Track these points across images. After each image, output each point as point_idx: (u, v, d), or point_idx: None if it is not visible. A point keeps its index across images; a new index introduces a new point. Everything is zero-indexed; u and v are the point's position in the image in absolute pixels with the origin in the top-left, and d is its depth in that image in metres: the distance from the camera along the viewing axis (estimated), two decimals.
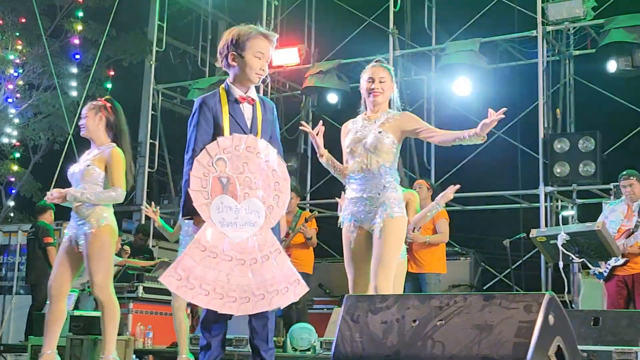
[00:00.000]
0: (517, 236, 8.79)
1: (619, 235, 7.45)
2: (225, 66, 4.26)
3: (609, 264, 7.52)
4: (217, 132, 4.10)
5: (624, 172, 7.67)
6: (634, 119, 10.82)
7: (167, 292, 7.61)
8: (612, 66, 10.31)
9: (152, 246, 11.98)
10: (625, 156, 10.35)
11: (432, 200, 7.74)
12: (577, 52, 11.60)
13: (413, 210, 6.69)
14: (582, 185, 10.51)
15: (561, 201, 10.99)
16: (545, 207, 10.58)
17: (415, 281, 8.23)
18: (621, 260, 7.41)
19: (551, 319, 3.16)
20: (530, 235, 7.62)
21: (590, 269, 7.70)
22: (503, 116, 4.44)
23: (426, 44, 12.56)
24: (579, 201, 10.85)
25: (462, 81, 11.13)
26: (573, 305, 8.03)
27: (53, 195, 5.39)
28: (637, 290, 7.44)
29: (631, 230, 7.43)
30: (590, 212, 9.98)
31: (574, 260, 7.30)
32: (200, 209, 3.93)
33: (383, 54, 11.48)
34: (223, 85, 4.26)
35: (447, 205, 8.61)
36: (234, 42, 4.17)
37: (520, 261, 10.95)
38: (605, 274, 7.59)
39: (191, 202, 3.94)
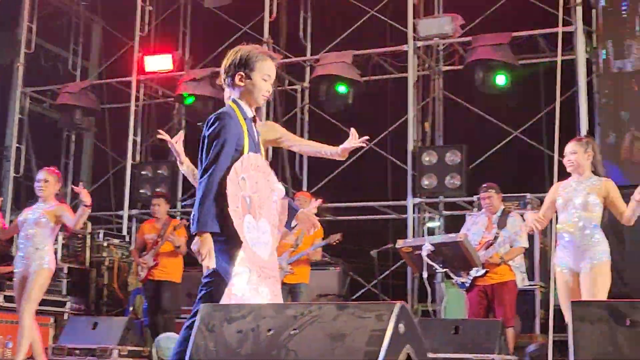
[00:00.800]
0: (385, 247, 8.95)
1: (479, 246, 7.67)
2: (228, 84, 4.20)
3: (470, 275, 7.73)
4: (238, 149, 4.04)
5: (484, 185, 7.91)
6: (499, 134, 11.18)
7: None
8: (478, 82, 10.65)
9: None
10: (489, 169, 10.68)
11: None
12: (446, 68, 11.93)
13: None
14: (449, 197, 10.81)
15: (428, 212, 11.26)
16: (414, 218, 10.83)
17: (292, 291, 8.38)
18: (482, 271, 7.62)
19: (401, 327, 3.22)
20: (396, 246, 7.78)
21: (452, 279, 7.90)
22: (363, 145, 4.53)
23: (301, 54, 12.65)
24: (446, 213, 11.13)
25: (338, 92, 11.28)
26: (436, 314, 8.24)
27: None
28: (496, 299, 7.67)
29: (490, 241, 7.66)
30: (456, 224, 10.24)
31: (437, 271, 7.49)
32: (238, 229, 3.88)
33: None
34: (232, 102, 4.18)
35: (318, 215, 8.71)
36: (243, 62, 4.13)
37: (388, 271, 11.16)
38: (468, 284, 7.79)
39: (208, 217, 3.88)
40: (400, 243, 7.87)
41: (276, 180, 4.22)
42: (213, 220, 3.89)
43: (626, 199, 6.00)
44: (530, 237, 8.39)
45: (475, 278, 7.71)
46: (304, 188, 11.98)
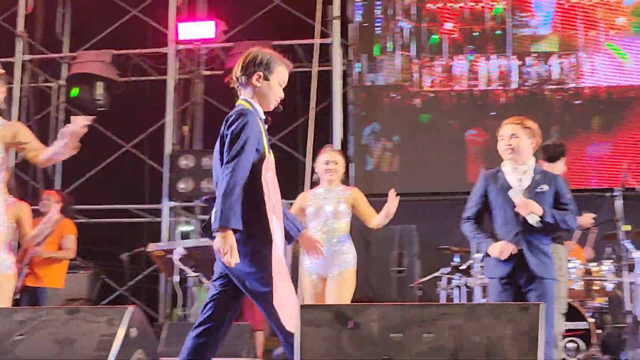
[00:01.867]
0: (137, 250, 8.82)
1: None
2: (243, 83, 4.08)
3: None
4: (258, 149, 3.94)
5: None
6: None
7: None
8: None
9: None
10: None
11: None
12: (207, 72, 11.95)
13: (29, 225, 6.40)
14: None
15: (184, 216, 11.22)
16: (169, 222, 10.76)
17: (33, 295, 7.93)
18: None
19: (133, 332, 3.19)
20: (148, 250, 7.68)
21: (203, 283, 7.90)
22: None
23: (58, 50, 12.21)
24: (201, 217, 11.14)
25: (97, 91, 10.99)
26: (189, 318, 8.21)
27: None
28: (246, 303, 7.72)
29: None
30: None
31: (189, 275, 7.47)
32: (270, 229, 3.84)
33: (10, 56, 11.00)
34: (244, 102, 4.06)
35: (74, 217, 8.42)
36: (264, 63, 4.05)
37: (141, 275, 11.00)
38: None
39: (231, 213, 3.69)
40: (152, 247, 7.78)
41: None
42: (236, 217, 3.73)
43: (374, 206, 6.26)
44: None
45: None
46: (57, 188, 11.53)
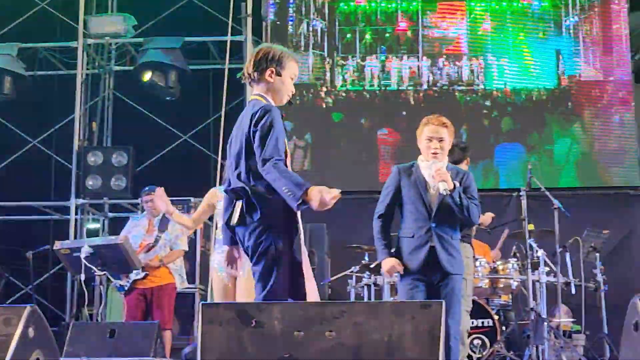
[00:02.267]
0: (42, 248, 8.64)
1: (140, 249, 7.63)
2: (255, 79, 4.15)
3: (130, 277, 7.66)
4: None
5: (146, 188, 7.87)
6: (168, 137, 11.22)
7: None
8: (148, 84, 10.64)
9: None
10: (157, 172, 10.66)
11: None
12: (118, 68, 11.78)
13: None
14: (114, 198, 10.65)
15: (92, 214, 11.03)
16: (76, 220, 10.56)
17: None
18: (142, 274, 7.59)
19: (31, 332, 3.11)
20: (54, 248, 7.52)
21: (111, 282, 7.79)
22: None
23: None
24: (111, 214, 10.96)
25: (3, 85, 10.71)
26: (96, 318, 8.07)
27: None
28: (155, 302, 7.66)
29: (151, 244, 7.65)
30: (122, 226, 10.12)
31: (95, 273, 7.34)
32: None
33: None
34: (259, 97, 4.14)
35: None
36: (276, 59, 4.11)
37: (48, 274, 10.77)
38: (127, 287, 7.72)
39: (297, 179, 3.87)
40: (57, 245, 7.62)
41: None
42: (299, 180, 3.90)
43: None
44: (192, 241, 8.51)
45: (135, 281, 7.66)
46: None
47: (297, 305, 3.16)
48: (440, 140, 5.11)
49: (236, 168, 4.09)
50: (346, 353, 2.96)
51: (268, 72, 4.14)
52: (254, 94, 4.19)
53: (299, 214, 4.01)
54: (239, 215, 3.99)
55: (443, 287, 4.98)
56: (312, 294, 3.99)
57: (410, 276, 5.05)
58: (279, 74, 4.15)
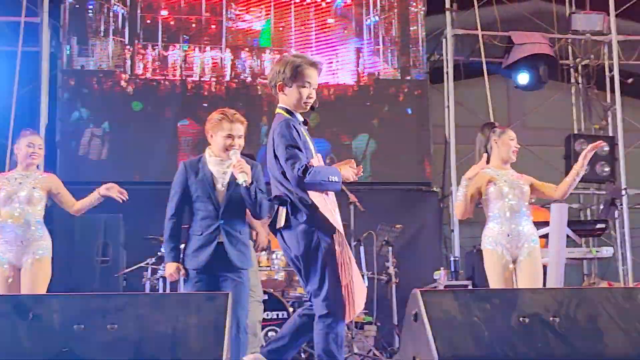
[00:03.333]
0: None
1: None
2: (275, 93, 4.58)
3: None
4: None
5: None
6: None
7: None
8: None
9: None
10: None
11: None
12: None
13: None
14: None
15: None
16: None
17: None
18: None
19: None
20: None
21: None
22: None
23: None
24: None
25: None
26: None
27: None
28: None
29: None
30: None
31: None
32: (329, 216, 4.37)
33: None
34: (282, 110, 4.56)
35: None
36: (286, 71, 4.48)
37: None
38: None
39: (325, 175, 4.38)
40: None
41: None
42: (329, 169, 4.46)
43: (80, 194, 6.10)
44: None
45: None
46: None
47: (78, 298, 3.04)
48: (240, 137, 5.07)
49: (273, 177, 4.53)
50: (128, 347, 2.88)
51: (279, 86, 4.53)
52: (278, 106, 4.61)
53: (335, 213, 4.47)
54: (285, 219, 4.40)
55: (231, 280, 4.95)
56: (359, 284, 4.44)
57: (197, 271, 4.98)
58: (291, 86, 4.50)
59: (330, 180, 4.36)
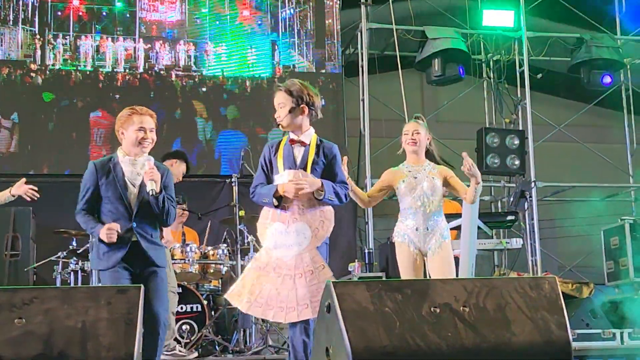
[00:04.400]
0: None
1: None
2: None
3: None
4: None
5: None
6: None
7: None
8: None
9: None
10: None
11: None
12: None
13: None
14: None
15: None
16: None
17: None
18: None
19: None
20: None
21: None
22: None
23: None
24: None
25: None
26: None
27: None
28: None
29: None
30: None
31: None
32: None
33: None
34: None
35: None
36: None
37: None
38: None
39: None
40: None
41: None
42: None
43: None
44: None
45: None
46: None
47: None
48: (152, 130, 4.96)
49: None
50: (36, 342, 2.82)
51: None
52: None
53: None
54: None
55: (148, 275, 4.86)
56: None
57: (113, 266, 4.84)
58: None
59: (264, 201, 4.85)
